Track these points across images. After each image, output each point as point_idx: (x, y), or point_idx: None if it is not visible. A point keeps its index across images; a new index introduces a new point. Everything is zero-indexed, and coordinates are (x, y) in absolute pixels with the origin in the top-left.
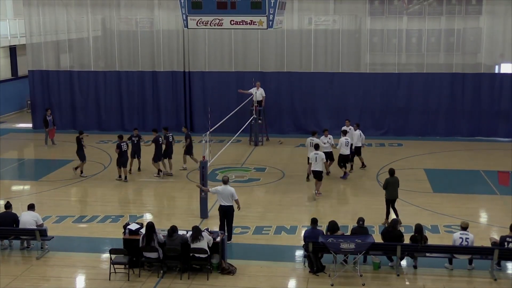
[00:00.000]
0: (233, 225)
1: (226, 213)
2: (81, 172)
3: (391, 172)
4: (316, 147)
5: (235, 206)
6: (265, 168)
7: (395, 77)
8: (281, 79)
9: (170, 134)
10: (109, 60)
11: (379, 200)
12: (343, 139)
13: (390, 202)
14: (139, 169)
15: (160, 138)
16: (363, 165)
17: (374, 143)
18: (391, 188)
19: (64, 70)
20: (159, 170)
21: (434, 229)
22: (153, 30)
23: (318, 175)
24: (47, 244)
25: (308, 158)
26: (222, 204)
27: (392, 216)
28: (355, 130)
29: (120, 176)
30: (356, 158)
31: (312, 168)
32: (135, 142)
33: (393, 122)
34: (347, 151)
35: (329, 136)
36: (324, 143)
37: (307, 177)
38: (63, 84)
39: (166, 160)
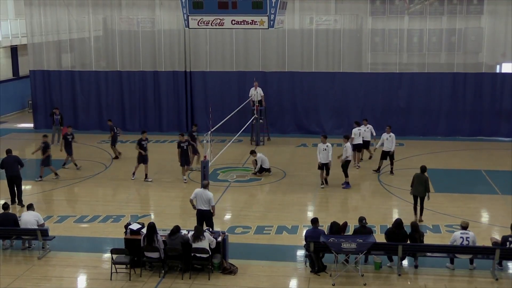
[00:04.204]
0: (234, 225)
1: (204, 217)
2: (146, 176)
3: (422, 168)
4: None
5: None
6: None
7: (396, 76)
8: (283, 79)
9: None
10: (111, 60)
11: (381, 200)
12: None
13: (416, 198)
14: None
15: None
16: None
17: (375, 142)
18: (416, 184)
19: (66, 70)
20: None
21: (436, 229)
22: (155, 30)
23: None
24: (48, 244)
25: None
26: (199, 208)
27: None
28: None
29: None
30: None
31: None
32: (184, 148)
33: (394, 121)
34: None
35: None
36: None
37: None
38: (65, 84)
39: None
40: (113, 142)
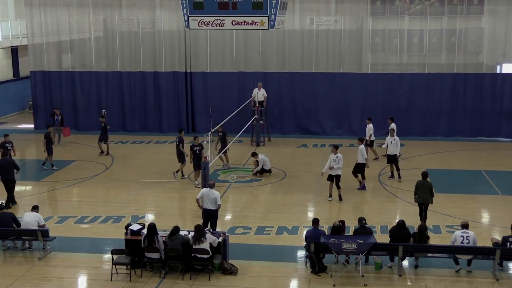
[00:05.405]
0: (234, 225)
1: (210, 217)
2: (176, 172)
3: (423, 175)
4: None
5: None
6: None
7: (396, 77)
8: (283, 79)
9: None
10: (111, 61)
11: (380, 200)
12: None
13: (421, 206)
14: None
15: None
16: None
17: (376, 143)
18: (420, 192)
19: (66, 70)
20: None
21: (436, 229)
22: (155, 31)
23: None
24: (49, 244)
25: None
26: (206, 207)
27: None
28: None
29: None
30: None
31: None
32: (197, 152)
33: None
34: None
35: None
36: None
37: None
38: (65, 84)
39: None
40: (106, 138)
